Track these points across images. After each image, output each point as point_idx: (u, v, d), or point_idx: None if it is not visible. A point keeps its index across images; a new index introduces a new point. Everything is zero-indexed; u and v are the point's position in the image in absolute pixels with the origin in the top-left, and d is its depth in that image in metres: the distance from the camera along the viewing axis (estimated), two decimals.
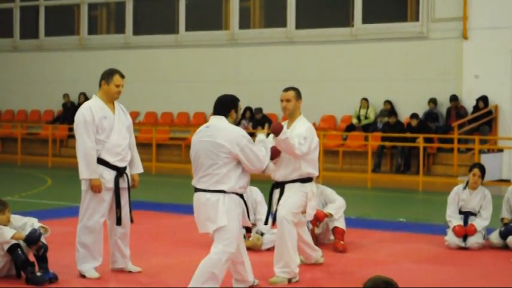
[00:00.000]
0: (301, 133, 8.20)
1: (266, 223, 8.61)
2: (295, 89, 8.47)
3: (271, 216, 8.55)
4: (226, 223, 7.20)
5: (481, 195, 10.43)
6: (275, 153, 8.18)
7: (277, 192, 8.37)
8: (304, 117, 8.48)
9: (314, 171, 8.35)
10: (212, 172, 7.23)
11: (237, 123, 7.65)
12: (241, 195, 7.40)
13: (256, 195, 10.05)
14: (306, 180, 8.30)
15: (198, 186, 7.32)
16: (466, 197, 10.44)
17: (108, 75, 8.32)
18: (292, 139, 8.05)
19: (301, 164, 8.23)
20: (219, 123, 7.39)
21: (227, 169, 7.25)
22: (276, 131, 7.99)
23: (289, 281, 8.21)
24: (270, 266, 8.47)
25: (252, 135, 7.95)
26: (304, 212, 8.34)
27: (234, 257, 7.47)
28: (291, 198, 8.22)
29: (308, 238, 8.91)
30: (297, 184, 8.26)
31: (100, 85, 8.34)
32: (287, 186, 8.29)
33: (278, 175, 8.37)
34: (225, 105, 7.49)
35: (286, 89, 8.46)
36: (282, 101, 8.40)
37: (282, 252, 8.21)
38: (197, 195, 7.34)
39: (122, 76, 8.34)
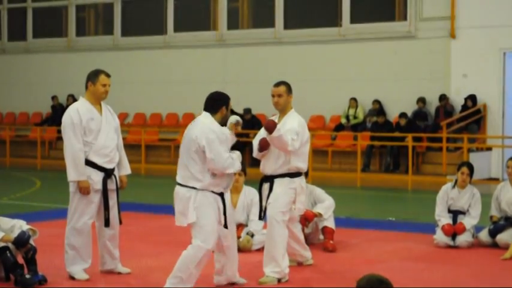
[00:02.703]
0: (292, 128, 8.19)
1: (261, 218, 8.60)
2: (286, 84, 8.47)
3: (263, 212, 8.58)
4: (195, 219, 7.37)
5: (470, 194, 10.45)
6: (264, 146, 8.22)
7: (266, 187, 8.38)
8: (295, 111, 8.47)
9: (303, 166, 8.36)
10: (188, 167, 7.41)
11: (224, 124, 7.69)
12: (219, 194, 7.49)
13: (253, 196, 10.02)
14: (295, 174, 8.31)
15: (177, 180, 7.52)
16: (454, 195, 10.46)
17: (94, 75, 8.31)
18: (286, 135, 8.06)
19: (291, 158, 8.24)
20: (201, 119, 7.53)
21: (202, 166, 7.36)
22: (270, 128, 8.00)
23: (279, 281, 8.20)
24: (260, 266, 8.46)
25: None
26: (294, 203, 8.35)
27: (216, 253, 7.68)
28: (280, 197, 8.22)
29: (300, 235, 8.91)
30: (286, 179, 8.27)
31: (86, 87, 8.33)
32: (276, 182, 8.30)
33: (267, 169, 8.39)
34: (216, 102, 7.63)
35: (277, 84, 8.46)
36: (273, 96, 8.41)
37: (271, 253, 8.20)
38: (176, 189, 7.54)
39: (108, 75, 8.34)
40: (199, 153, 7.37)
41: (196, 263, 7.40)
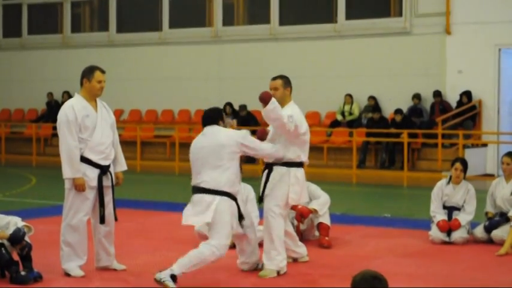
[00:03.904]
0: (286, 113, 8.28)
1: (260, 201, 8.69)
2: (283, 77, 8.55)
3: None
4: (211, 220, 7.80)
5: (464, 190, 10.47)
6: (261, 136, 8.31)
7: (265, 174, 8.49)
8: (295, 104, 8.52)
9: (303, 156, 8.40)
10: (215, 172, 7.87)
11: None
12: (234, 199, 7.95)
13: (248, 192, 10.04)
14: (293, 164, 8.35)
15: (200, 185, 7.95)
16: (449, 191, 10.48)
17: (89, 72, 8.31)
18: (281, 111, 8.18)
19: (290, 147, 8.30)
20: (215, 129, 8.02)
21: (232, 171, 7.92)
22: (264, 98, 8.07)
23: (278, 273, 8.27)
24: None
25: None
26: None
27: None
28: (275, 190, 8.31)
29: (290, 230, 8.93)
30: (283, 169, 8.33)
31: (82, 83, 8.33)
32: (275, 170, 8.39)
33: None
34: (213, 118, 8.08)
35: (274, 78, 8.61)
36: (270, 89, 8.46)
37: (269, 245, 8.32)
38: (198, 195, 7.96)
39: (103, 72, 8.34)
40: (232, 155, 7.90)
41: (204, 262, 7.79)
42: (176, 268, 7.59)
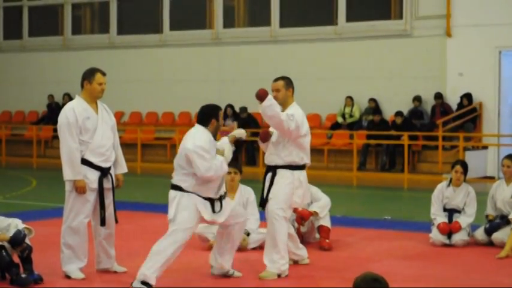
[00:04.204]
0: (286, 113, 8.29)
1: (261, 205, 8.64)
2: (285, 78, 8.56)
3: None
4: (172, 217, 7.77)
5: (465, 192, 10.46)
6: (265, 137, 8.32)
7: (268, 178, 8.47)
8: (297, 105, 8.52)
9: (305, 159, 8.40)
10: (177, 170, 7.84)
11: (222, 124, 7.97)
12: (208, 199, 7.82)
13: (249, 194, 10.05)
14: (296, 167, 8.35)
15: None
16: (450, 194, 10.48)
17: (90, 74, 8.31)
18: (279, 109, 8.19)
19: (292, 150, 8.31)
20: (192, 130, 7.93)
21: (188, 170, 7.75)
22: (261, 96, 8.08)
23: (279, 276, 8.27)
24: (257, 264, 8.53)
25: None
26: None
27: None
28: (279, 193, 8.30)
29: (292, 232, 8.92)
30: (287, 172, 8.33)
31: (82, 85, 8.33)
32: (278, 173, 8.38)
33: (269, 159, 8.52)
34: (206, 115, 7.95)
35: (276, 79, 8.60)
36: (272, 91, 8.47)
37: (272, 248, 8.32)
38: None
39: (104, 74, 8.35)
40: (186, 160, 7.76)
41: (166, 256, 7.70)
42: (144, 273, 7.61)
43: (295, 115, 8.29)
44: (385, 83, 20.49)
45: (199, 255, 9.48)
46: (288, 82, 8.55)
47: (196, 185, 7.74)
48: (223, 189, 7.99)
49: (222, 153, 7.93)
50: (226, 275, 8.25)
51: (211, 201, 7.84)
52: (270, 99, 8.10)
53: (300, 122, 8.30)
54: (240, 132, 8.20)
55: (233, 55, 22.49)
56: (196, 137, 7.78)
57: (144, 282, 7.56)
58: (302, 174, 8.45)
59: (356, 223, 12.26)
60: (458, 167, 10.46)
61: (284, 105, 8.47)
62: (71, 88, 23.02)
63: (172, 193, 7.81)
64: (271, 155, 8.47)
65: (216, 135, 7.99)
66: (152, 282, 7.57)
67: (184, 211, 7.70)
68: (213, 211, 7.83)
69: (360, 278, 4.49)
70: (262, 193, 8.55)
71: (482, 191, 13.00)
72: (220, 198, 7.91)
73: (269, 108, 8.10)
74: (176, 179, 7.82)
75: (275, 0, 21.92)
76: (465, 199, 10.45)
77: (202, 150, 7.68)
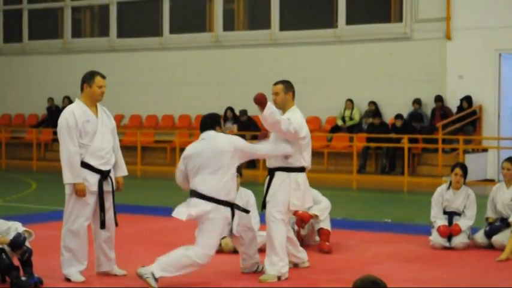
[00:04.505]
0: (286, 117, 8.32)
1: (263, 208, 8.65)
2: (284, 82, 8.58)
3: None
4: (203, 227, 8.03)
5: (465, 195, 10.46)
6: (263, 138, 8.36)
7: (267, 179, 8.50)
8: (297, 109, 8.52)
9: (303, 161, 8.39)
10: (214, 178, 7.97)
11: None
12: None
13: (249, 197, 10.04)
14: (293, 169, 8.34)
15: (199, 191, 8.03)
16: (449, 197, 10.47)
17: (90, 77, 8.31)
18: (279, 115, 8.22)
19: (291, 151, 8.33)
20: (212, 134, 8.14)
21: (227, 178, 8.00)
22: (260, 101, 8.09)
23: (279, 278, 8.27)
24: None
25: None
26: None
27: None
28: (277, 196, 8.30)
29: (292, 235, 8.92)
30: (284, 174, 8.33)
31: (82, 89, 8.33)
32: (276, 176, 8.38)
33: (268, 161, 8.54)
34: (211, 124, 8.21)
35: (275, 83, 8.65)
36: (272, 94, 8.48)
37: (271, 251, 8.33)
38: (198, 200, 8.05)
39: (103, 77, 8.35)
40: (232, 160, 8.02)
41: (186, 267, 7.89)
42: (157, 269, 7.78)
43: (292, 119, 8.28)
44: (385, 85, 20.49)
45: None
46: (288, 86, 8.55)
47: (228, 188, 8.11)
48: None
49: None
50: (256, 271, 8.53)
51: None
52: (270, 107, 8.11)
53: (298, 126, 8.30)
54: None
55: (233, 58, 22.49)
56: (225, 136, 8.22)
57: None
58: (300, 177, 8.43)
59: (356, 226, 12.26)
60: (457, 170, 10.46)
61: (283, 108, 8.48)
62: (71, 91, 23.02)
63: (203, 204, 8.06)
64: (270, 157, 8.50)
65: None
66: None
67: None
68: None
69: (359, 281, 4.49)
70: (264, 196, 8.57)
71: (482, 194, 12.99)
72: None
73: (270, 116, 8.12)
74: (206, 186, 8.05)
75: (275, 3, 21.93)
76: (465, 202, 10.45)
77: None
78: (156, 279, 7.68)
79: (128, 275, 8.40)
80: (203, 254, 7.87)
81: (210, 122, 8.24)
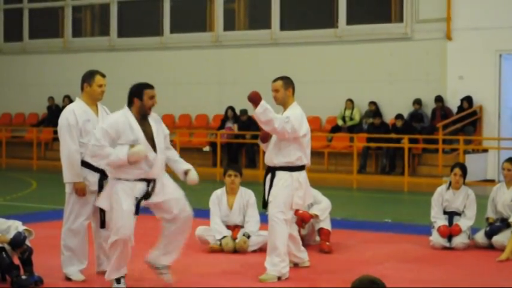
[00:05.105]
0: (285, 116, 8.27)
1: (264, 207, 8.61)
2: (283, 78, 8.53)
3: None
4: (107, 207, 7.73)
5: (464, 195, 10.47)
6: (265, 137, 8.34)
7: (268, 179, 8.45)
8: (298, 105, 8.50)
9: (304, 159, 8.37)
10: None
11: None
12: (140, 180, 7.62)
13: (249, 197, 10.05)
14: (295, 168, 8.33)
15: None
16: (449, 197, 10.48)
17: (89, 76, 8.33)
18: (273, 113, 8.13)
19: (292, 149, 8.28)
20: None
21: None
22: (254, 99, 8.07)
23: (279, 278, 8.27)
24: (257, 266, 8.53)
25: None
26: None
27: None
28: (279, 196, 8.28)
29: (295, 235, 8.92)
30: (285, 174, 8.30)
31: (82, 88, 8.34)
32: (277, 175, 8.35)
33: (268, 160, 8.51)
34: (129, 95, 7.99)
35: (275, 79, 8.60)
36: (272, 91, 8.47)
37: (272, 251, 8.31)
38: None
39: (103, 76, 8.37)
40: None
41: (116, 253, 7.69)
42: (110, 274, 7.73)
43: (291, 117, 8.24)
44: (385, 86, 20.49)
45: (199, 257, 9.49)
46: (287, 82, 8.52)
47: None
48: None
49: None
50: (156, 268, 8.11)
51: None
52: (262, 106, 8.09)
53: (297, 124, 8.26)
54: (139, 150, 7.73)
55: (233, 58, 22.49)
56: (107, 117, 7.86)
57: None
58: (301, 175, 8.42)
59: (356, 226, 12.26)
60: (457, 170, 10.47)
61: (284, 105, 8.47)
62: (71, 90, 22.98)
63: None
64: (271, 155, 8.45)
65: (143, 116, 7.99)
66: None
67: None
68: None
69: (358, 281, 4.48)
70: (264, 195, 8.55)
71: (483, 194, 13.00)
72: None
73: (263, 114, 8.10)
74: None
75: (275, 3, 21.92)
76: (465, 202, 10.45)
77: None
78: (118, 281, 7.71)
79: (128, 274, 8.39)
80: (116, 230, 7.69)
81: (129, 94, 8.09)
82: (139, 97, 7.72)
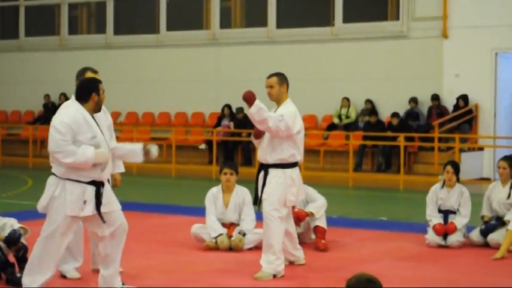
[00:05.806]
0: (279, 113, 8.25)
1: (255, 204, 8.63)
2: (278, 75, 8.52)
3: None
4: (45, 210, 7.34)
5: (459, 193, 10.48)
6: (258, 134, 8.34)
7: (261, 176, 8.46)
8: (292, 102, 8.50)
9: (297, 156, 8.37)
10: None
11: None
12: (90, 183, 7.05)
13: (245, 195, 10.05)
14: (288, 165, 8.33)
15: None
16: (443, 195, 10.49)
17: (81, 74, 8.32)
18: (267, 112, 8.10)
19: (284, 147, 8.29)
20: (64, 105, 7.27)
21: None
22: (248, 99, 8.06)
23: (274, 276, 8.27)
24: (253, 264, 8.53)
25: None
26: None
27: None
28: (273, 193, 8.28)
29: (293, 232, 8.91)
30: (279, 171, 8.30)
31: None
32: (270, 172, 8.36)
33: (262, 157, 8.52)
34: (85, 91, 7.20)
35: (269, 76, 8.58)
36: (266, 87, 8.47)
37: (267, 248, 8.30)
38: None
39: (95, 72, 8.35)
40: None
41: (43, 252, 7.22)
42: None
43: (285, 115, 8.24)
44: (381, 84, 20.50)
45: (194, 255, 9.49)
46: (282, 78, 8.52)
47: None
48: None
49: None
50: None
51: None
52: (256, 105, 8.08)
53: (291, 122, 8.26)
54: (153, 149, 7.44)
55: (230, 56, 22.48)
56: (61, 111, 7.16)
57: None
58: (294, 172, 8.43)
59: (352, 224, 12.26)
60: (449, 168, 10.49)
61: (278, 101, 8.48)
62: (68, 88, 22.99)
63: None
64: (264, 152, 8.45)
65: (97, 111, 7.26)
66: None
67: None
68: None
69: (354, 279, 4.47)
70: (256, 192, 8.54)
71: (478, 193, 13.00)
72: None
73: (257, 114, 8.09)
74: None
75: (272, 1, 21.92)
76: (459, 200, 10.46)
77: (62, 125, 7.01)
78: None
79: (124, 272, 8.38)
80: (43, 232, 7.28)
81: (86, 89, 7.24)
82: (97, 92, 7.21)
